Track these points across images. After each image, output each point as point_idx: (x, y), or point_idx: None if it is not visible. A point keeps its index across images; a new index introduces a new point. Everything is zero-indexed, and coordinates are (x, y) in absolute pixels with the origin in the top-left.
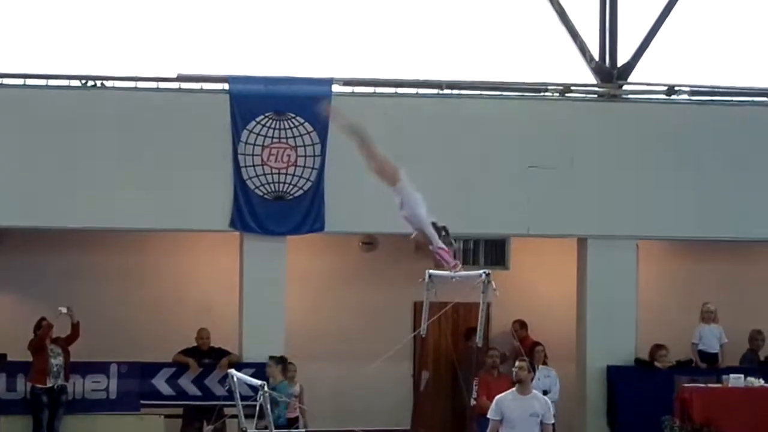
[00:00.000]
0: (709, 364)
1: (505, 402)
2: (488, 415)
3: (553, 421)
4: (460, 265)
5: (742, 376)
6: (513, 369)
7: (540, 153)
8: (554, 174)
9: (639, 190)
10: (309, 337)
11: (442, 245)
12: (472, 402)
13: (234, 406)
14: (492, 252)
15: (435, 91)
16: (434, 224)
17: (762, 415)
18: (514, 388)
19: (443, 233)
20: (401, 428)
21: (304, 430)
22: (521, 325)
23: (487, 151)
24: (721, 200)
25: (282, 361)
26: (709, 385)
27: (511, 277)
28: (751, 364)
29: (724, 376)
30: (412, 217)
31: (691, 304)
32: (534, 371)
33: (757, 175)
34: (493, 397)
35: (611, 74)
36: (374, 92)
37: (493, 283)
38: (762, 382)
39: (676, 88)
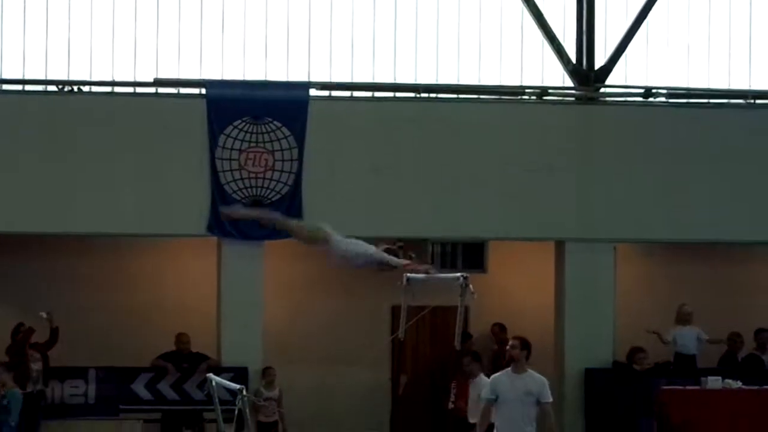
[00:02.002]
0: (687, 367)
1: (499, 381)
2: (482, 395)
3: (550, 400)
4: (432, 266)
5: (720, 378)
6: (506, 348)
7: (518, 156)
8: (532, 177)
9: (617, 192)
10: (287, 341)
11: (403, 261)
12: (450, 405)
13: (213, 410)
14: (470, 255)
15: (412, 94)
16: (387, 248)
17: (740, 417)
18: (509, 368)
19: (399, 248)
20: None
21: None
22: (500, 328)
23: (464, 154)
24: (699, 203)
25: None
26: (688, 387)
27: (490, 281)
28: (729, 367)
29: (703, 378)
30: (360, 258)
31: (669, 306)
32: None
33: (735, 178)
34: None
35: (588, 77)
36: (351, 96)
37: (471, 286)
38: (740, 384)
39: (653, 91)
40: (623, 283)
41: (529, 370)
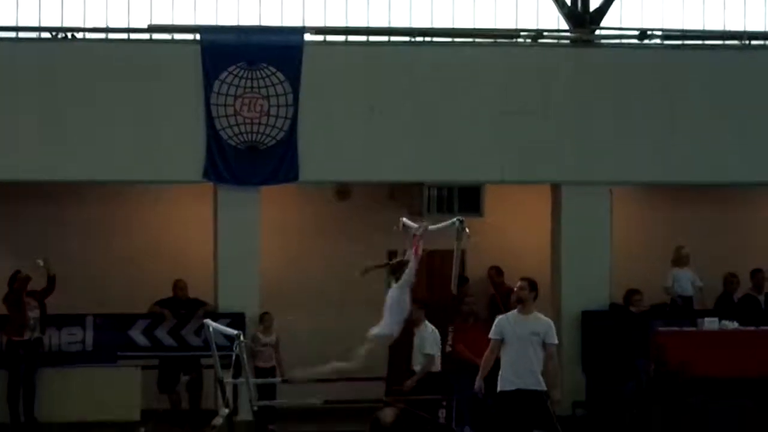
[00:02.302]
0: (684, 308)
1: (505, 322)
2: (489, 335)
3: (556, 342)
4: (424, 224)
5: (717, 319)
6: (515, 289)
7: (513, 99)
8: (528, 120)
9: (612, 135)
10: (284, 287)
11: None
12: (448, 349)
13: (210, 356)
14: (466, 199)
15: (407, 38)
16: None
17: (736, 358)
18: (515, 309)
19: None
20: (377, 376)
21: (280, 379)
22: (497, 271)
23: (459, 98)
24: (694, 145)
25: None
26: (684, 328)
27: (486, 224)
28: (725, 307)
29: (699, 320)
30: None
31: (665, 249)
32: None
33: (732, 119)
34: (470, 345)
35: (583, 19)
36: (346, 41)
37: (467, 229)
38: (736, 324)
39: (649, 33)
40: (619, 225)
41: (535, 312)
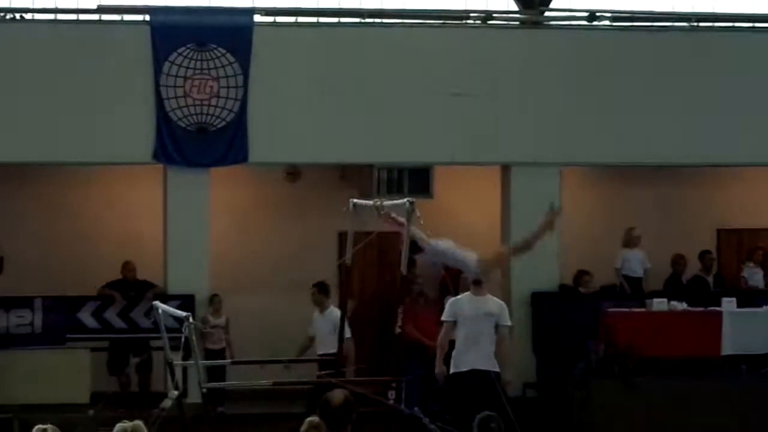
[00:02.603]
0: (633, 289)
1: (459, 303)
2: (443, 318)
3: (509, 323)
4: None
5: (666, 300)
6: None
7: (463, 80)
8: (477, 101)
9: (562, 116)
10: (235, 268)
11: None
12: (398, 330)
13: (160, 338)
14: (416, 180)
15: (357, 20)
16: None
17: (685, 338)
18: (469, 291)
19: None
20: (328, 357)
21: (230, 360)
22: None
23: (410, 79)
24: (643, 126)
25: None
26: (633, 309)
27: (436, 206)
28: (674, 288)
29: (648, 301)
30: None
31: (614, 230)
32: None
33: (679, 100)
34: (420, 325)
35: (533, 1)
36: (296, 22)
37: (417, 211)
38: (685, 305)
39: (597, 14)
40: (569, 206)
41: (489, 294)
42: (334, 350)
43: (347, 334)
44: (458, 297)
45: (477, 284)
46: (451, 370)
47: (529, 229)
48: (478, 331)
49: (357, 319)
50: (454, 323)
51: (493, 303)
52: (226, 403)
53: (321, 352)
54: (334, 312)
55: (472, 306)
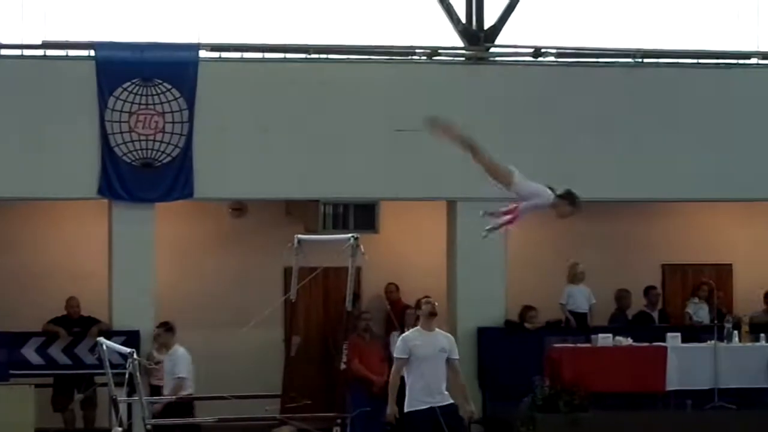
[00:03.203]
0: (579, 324)
1: (412, 339)
2: (395, 354)
3: (458, 357)
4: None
5: (611, 335)
6: (422, 305)
7: (408, 116)
8: (423, 137)
9: (506, 152)
10: (179, 303)
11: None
12: (343, 366)
13: (104, 374)
14: (362, 216)
15: (302, 55)
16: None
17: (630, 373)
18: (417, 327)
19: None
20: (272, 394)
21: (174, 397)
22: (395, 287)
23: (355, 115)
24: (586, 161)
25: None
26: (578, 345)
27: (382, 241)
28: (619, 324)
29: (593, 336)
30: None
31: (560, 265)
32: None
33: (622, 137)
34: (365, 361)
35: (478, 37)
36: (242, 57)
37: (361, 246)
38: (630, 341)
39: (543, 50)
40: (514, 242)
41: (436, 329)
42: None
43: (180, 373)
44: (409, 333)
45: (432, 318)
46: (407, 409)
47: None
48: (433, 367)
49: (302, 355)
50: (407, 359)
51: (444, 338)
52: None
53: (166, 393)
54: (179, 351)
55: (427, 341)
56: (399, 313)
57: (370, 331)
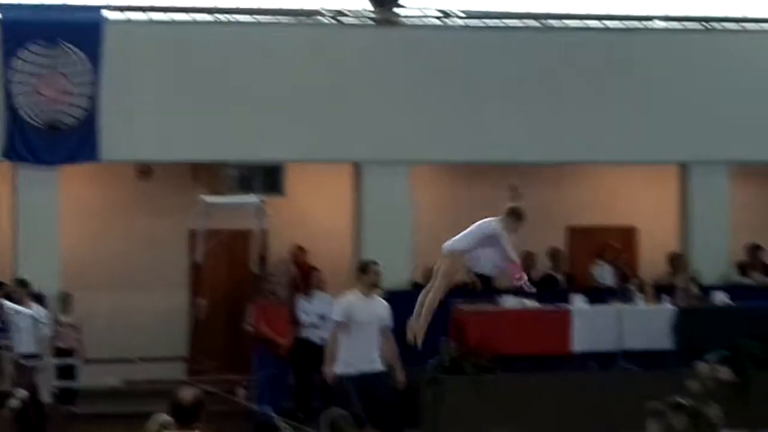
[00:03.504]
0: (485, 286)
1: (353, 304)
2: (334, 317)
3: (391, 325)
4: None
5: (517, 297)
6: (370, 273)
7: (314, 78)
8: (330, 100)
9: (413, 115)
10: (86, 266)
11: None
12: (248, 328)
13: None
14: (268, 179)
15: (209, 17)
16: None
17: (536, 335)
18: (356, 290)
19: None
20: (180, 356)
21: (81, 359)
22: (301, 250)
23: (261, 77)
24: (493, 124)
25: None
26: (485, 307)
27: (288, 204)
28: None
29: (499, 298)
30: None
31: (465, 227)
32: (310, 296)
33: (528, 99)
34: (271, 323)
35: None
36: (148, 19)
37: (267, 209)
38: (536, 303)
39: (450, 13)
40: (421, 203)
41: (374, 295)
42: (33, 350)
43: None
44: (349, 296)
45: (375, 287)
46: (338, 372)
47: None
48: (369, 333)
49: (208, 318)
50: (347, 323)
51: (381, 305)
52: (78, 402)
53: (21, 351)
54: (33, 307)
55: (366, 307)
56: (305, 276)
57: (276, 294)
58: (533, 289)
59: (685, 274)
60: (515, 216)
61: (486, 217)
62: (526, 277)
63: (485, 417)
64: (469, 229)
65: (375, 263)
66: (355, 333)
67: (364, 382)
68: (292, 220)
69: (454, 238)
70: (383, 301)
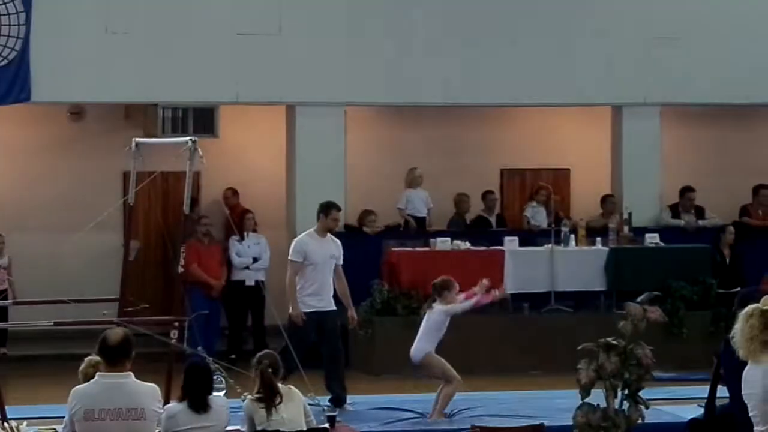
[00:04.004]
0: (417, 228)
1: (307, 243)
2: (291, 257)
3: (342, 263)
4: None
5: (449, 239)
6: (332, 220)
7: (248, 19)
8: (262, 41)
9: (347, 55)
10: (17, 208)
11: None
12: (180, 270)
13: None
14: (201, 120)
15: None
16: None
17: (469, 277)
18: (311, 230)
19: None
20: (112, 297)
21: (11, 301)
22: (233, 192)
23: (195, 17)
24: (427, 65)
25: None
26: (417, 248)
27: (221, 145)
28: (457, 228)
29: (432, 240)
30: None
31: (398, 170)
32: (244, 238)
33: (462, 41)
34: (204, 265)
35: None
36: None
37: (199, 150)
38: (468, 245)
39: None
40: (353, 146)
41: (329, 234)
42: None
43: None
44: (303, 237)
45: (329, 231)
46: (295, 311)
47: None
48: (325, 272)
49: (141, 260)
50: (302, 263)
51: (334, 245)
52: (9, 344)
53: None
54: None
55: (320, 247)
56: (238, 218)
57: (209, 236)
58: (507, 295)
59: (617, 215)
60: (446, 288)
61: (416, 163)
62: (495, 291)
63: None
64: (421, 331)
65: (338, 209)
66: (308, 273)
67: (318, 319)
68: (225, 162)
69: (415, 346)
70: (336, 240)
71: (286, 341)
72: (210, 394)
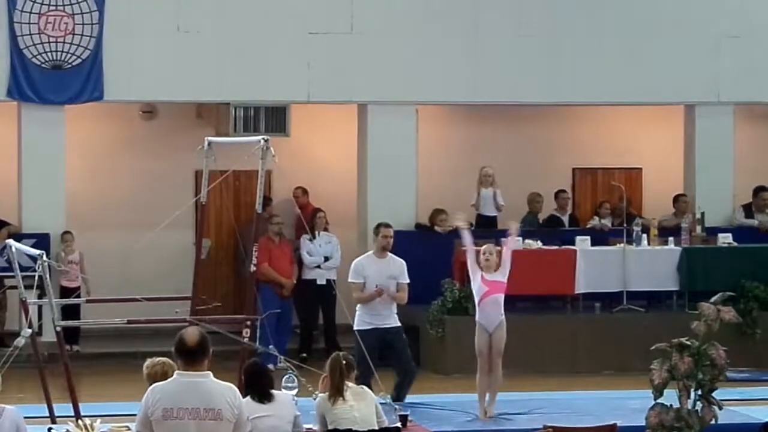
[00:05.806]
0: (488, 227)
1: (365, 265)
2: (350, 279)
3: (408, 281)
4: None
5: (521, 238)
6: (380, 237)
7: (321, 18)
8: (334, 40)
9: (420, 54)
10: (90, 206)
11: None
12: (252, 269)
13: (13, 276)
14: (272, 119)
15: None
16: None
17: (540, 276)
18: (370, 252)
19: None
20: (183, 296)
21: (85, 298)
22: (303, 191)
23: (267, 16)
24: (498, 65)
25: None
26: None
27: (293, 144)
28: (530, 227)
29: (503, 239)
30: None
31: (471, 169)
32: (315, 237)
33: (534, 40)
34: (275, 264)
35: None
36: None
37: (272, 149)
38: (540, 244)
39: None
40: (425, 145)
41: (389, 254)
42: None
43: None
44: (362, 260)
45: (383, 249)
46: (355, 327)
47: None
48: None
49: (213, 258)
50: (363, 284)
51: (395, 265)
52: (82, 342)
53: None
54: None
55: (378, 268)
56: (309, 217)
57: (280, 235)
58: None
59: (689, 215)
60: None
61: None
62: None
63: None
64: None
65: (387, 226)
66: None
67: (378, 335)
68: (296, 161)
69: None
70: (399, 259)
71: (361, 348)
72: (271, 387)
